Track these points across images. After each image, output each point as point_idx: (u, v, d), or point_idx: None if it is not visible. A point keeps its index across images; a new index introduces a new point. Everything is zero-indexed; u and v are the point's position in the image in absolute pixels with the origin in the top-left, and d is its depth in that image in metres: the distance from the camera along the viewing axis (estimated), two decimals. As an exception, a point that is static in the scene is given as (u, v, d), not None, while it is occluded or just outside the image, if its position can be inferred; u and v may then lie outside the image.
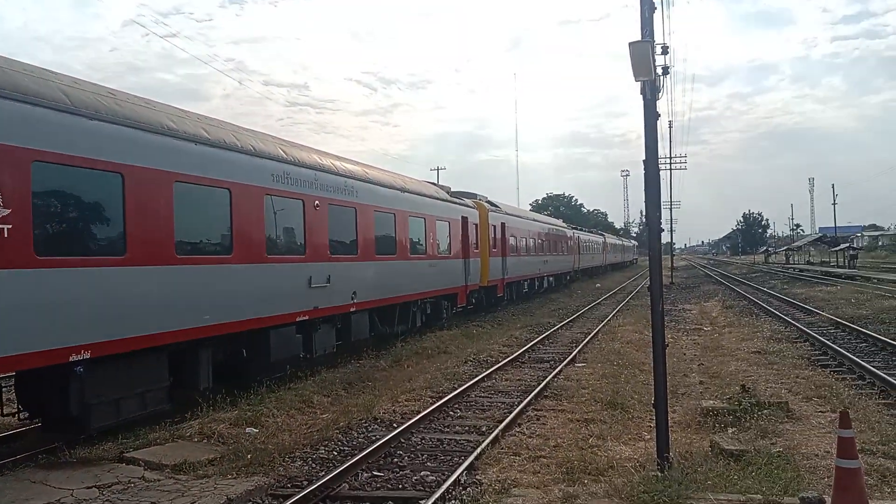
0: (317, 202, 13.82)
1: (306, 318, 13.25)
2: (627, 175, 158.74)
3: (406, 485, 7.52)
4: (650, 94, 7.53)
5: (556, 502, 6.72)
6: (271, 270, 12.22)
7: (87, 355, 8.35)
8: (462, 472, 7.58)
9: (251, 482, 7.48)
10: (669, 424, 8.90)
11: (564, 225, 50.68)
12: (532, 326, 22.90)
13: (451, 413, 10.78)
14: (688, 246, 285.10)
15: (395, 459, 8.43)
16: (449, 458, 8.43)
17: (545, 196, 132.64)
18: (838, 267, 59.62)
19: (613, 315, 25.87)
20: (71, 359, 8.15)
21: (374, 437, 9.31)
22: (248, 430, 9.76)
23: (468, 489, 7.19)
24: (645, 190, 7.68)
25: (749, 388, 10.75)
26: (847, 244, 66.54)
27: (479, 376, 13.36)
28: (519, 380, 13.48)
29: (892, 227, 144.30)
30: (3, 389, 9.43)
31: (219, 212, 11.07)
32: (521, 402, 11.02)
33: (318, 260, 13.78)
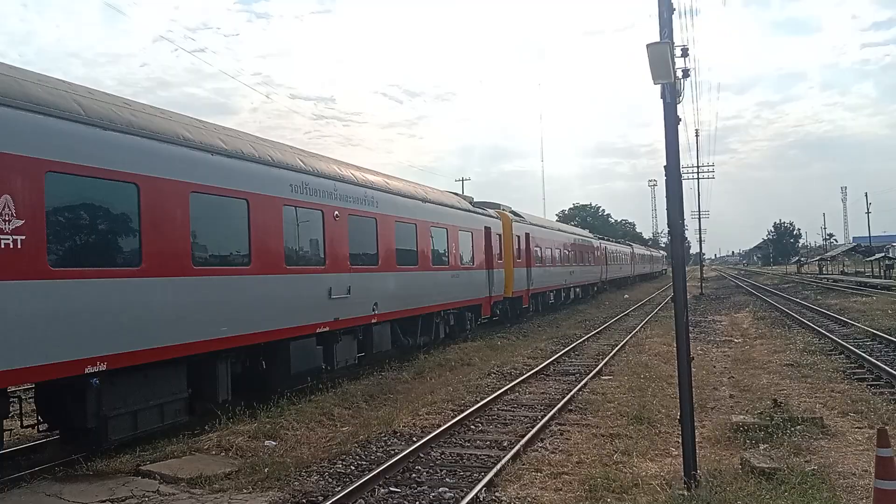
0: (336, 213, 13.71)
1: (327, 329, 13.11)
2: (655, 185, 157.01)
3: (423, 501, 7.28)
4: (670, 97, 7.29)
5: (577, 522, 6.46)
6: (290, 281, 12.10)
7: (103, 367, 8.27)
8: (481, 488, 7.33)
9: (266, 497, 7.32)
10: (698, 440, 8.59)
11: (591, 235, 50.19)
12: (558, 338, 22.55)
13: (472, 427, 10.53)
14: (718, 256, 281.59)
15: (414, 475, 8.20)
16: (468, 473, 8.18)
17: (572, 206, 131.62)
18: (873, 277, 58.24)
19: (641, 326, 25.40)
20: (86, 371, 8.08)
21: (393, 452, 9.10)
22: (266, 443, 9.62)
23: (486, 507, 6.95)
24: (666, 196, 7.42)
25: (781, 402, 10.35)
26: (882, 254, 65.08)
27: (502, 389, 13.09)
28: (543, 393, 13.18)
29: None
30: (24, 401, 9.41)
31: (236, 223, 10.98)
32: (545, 416, 10.74)
33: (339, 271, 13.65)
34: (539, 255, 30.40)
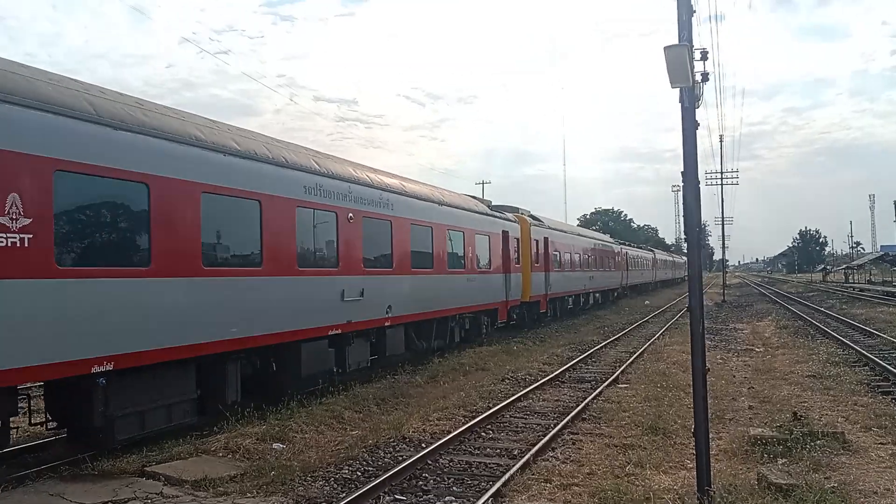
0: (350, 215, 13.61)
1: (339, 331, 13.01)
2: (678, 190, 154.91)
3: (428, 511, 7.14)
4: (688, 101, 7.07)
5: (585, 536, 6.26)
6: (302, 283, 12.02)
7: (110, 367, 8.22)
8: (487, 499, 7.16)
9: (269, 502, 7.22)
10: (714, 453, 8.35)
11: (612, 240, 49.74)
12: (575, 344, 22.29)
13: (482, 434, 10.36)
14: (741, 263, 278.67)
15: (420, 482, 8.05)
16: (476, 482, 8.02)
17: (593, 211, 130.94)
18: (901, 286, 57.06)
19: (661, 334, 25.04)
20: (93, 370, 8.03)
21: (400, 458, 8.96)
22: (274, 445, 9.52)
23: (492, 519, 6.77)
24: (683, 203, 7.21)
25: (801, 415, 10.05)
26: (910, 263, 63.77)
27: (516, 395, 12.90)
28: (557, 400, 12.97)
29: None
30: (33, 399, 9.41)
31: (248, 223, 10.92)
32: (557, 424, 10.53)
33: (352, 273, 13.55)
34: (558, 259, 30.13)
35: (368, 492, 7.38)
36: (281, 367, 11.82)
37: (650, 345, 21.48)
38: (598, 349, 20.70)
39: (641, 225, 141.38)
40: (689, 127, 7.20)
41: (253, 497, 7.34)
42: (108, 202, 8.65)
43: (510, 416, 11.55)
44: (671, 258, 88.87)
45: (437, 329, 18.14)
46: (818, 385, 13.77)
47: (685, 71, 6.71)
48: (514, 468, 8.15)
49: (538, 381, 14.71)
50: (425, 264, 17.07)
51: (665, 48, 6.69)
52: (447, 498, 7.47)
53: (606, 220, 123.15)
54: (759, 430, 9.68)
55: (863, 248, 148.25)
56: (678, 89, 7.10)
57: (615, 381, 14.76)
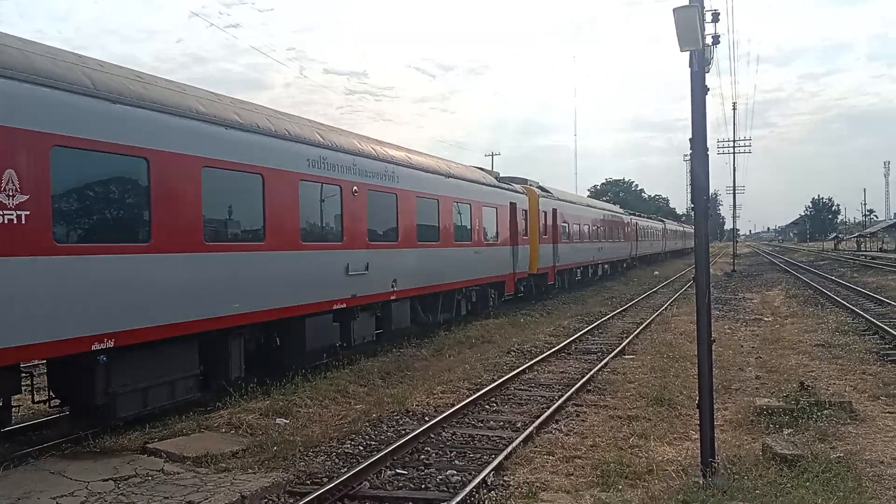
0: (355, 188, 13.50)
1: (343, 305, 12.97)
2: (689, 160, 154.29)
3: (429, 485, 7.12)
4: (697, 65, 6.89)
5: (586, 510, 6.23)
6: (306, 257, 11.95)
7: (111, 344, 8.20)
8: (489, 472, 7.13)
9: (269, 478, 7.19)
10: (719, 423, 8.30)
11: (622, 211, 49.43)
12: (582, 315, 22.23)
13: (486, 407, 10.34)
14: (753, 232, 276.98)
15: (423, 456, 8.04)
16: (479, 455, 8.00)
17: (604, 181, 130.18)
18: (914, 254, 56.59)
19: (669, 304, 24.93)
20: (93, 348, 8.01)
21: (403, 431, 8.95)
22: (278, 420, 9.53)
23: (493, 492, 6.74)
24: (691, 171, 7.06)
25: (809, 385, 9.96)
26: (924, 230, 63.13)
27: (521, 368, 12.87)
28: (562, 372, 12.93)
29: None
30: (36, 377, 9.44)
31: (251, 198, 10.82)
32: (562, 396, 10.49)
33: (357, 247, 13.47)
34: (566, 231, 29.95)
35: (369, 466, 7.36)
36: (285, 342, 11.81)
37: (658, 315, 21.39)
38: (605, 320, 20.64)
39: (652, 195, 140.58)
40: (699, 92, 7.03)
41: (254, 473, 7.34)
42: (106, 178, 8.55)
43: (514, 389, 11.52)
44: (681, 228, 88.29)
45: (443, 302, 18.08)
46: (826, 354, 13.67)
47: (695, 34, 6.52)
48: (517, 441, 8.12)
49: (544, 353, 14.67)
50: (431, 237, 16.96)
51: (674, 10, 6.51)
52: (449, 472, 7.45)
53: (617, 191, 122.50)
54: (766, 400, 9.61)
55: (876, 216, 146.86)
56: (687, 53, 6.92)
57: (621, 352, 14.70)
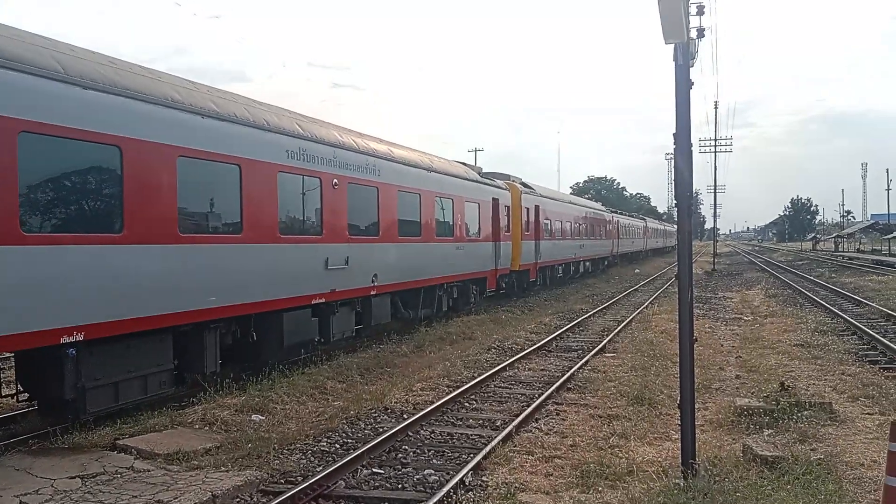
0: (335, 180, 13.29)
1: (322, 300, 12.77)
2: (671, 158, 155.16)
3: (406, 485, 6.97)
4: (682, 58, 6.76)
5: (565, 511, 6.11)
6: (285, 251, 11.75)
7: (80, 337, 7.96)
8: (467, 472, 7.00)
9: (242, 476, 7.01)
10: (699, 423, 8.23)
11: (604, 208, 49.50)
12: (563, 313, 22.18)
13: (466, 404, 10.20)
14: (732, 232, 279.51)
15: (400, 455, 7.89)
16: (457, 454, 7.87)
17: (587, 179, 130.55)
18: (890, 255, 57.30)
19: (649, 302, 24.96)
20: (62, 341, 7.77)
21: (381, 429, 8.79)
22: (253, 417, 9.34)
23: (471, 493, 6.61)
24: (674, 167, 6.95)
25: (789, 385, 9.93)
26: (900, 232, 63.94)
27: (501, 365, 12.75)
28: (543, 370, 12.83)
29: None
30: (4, 370, 9.17)
31: (227, 189, 10.59)
32: (542, 394, 10.39)
33: (336, 241, 13.28)
34: (549, 227, 29.89)
35: (345, 465, 7.21)
36: (262, 336, 11.58)
37: (638, 313, 21.39)
38: (586, 318, 20.59)
39: (634, 193, 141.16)
40: (683, 85, 6.89)
41: (226, 471, 7.14)
42: (78, 166, 8.29)
43: (495, 387, 11.40)
44: (662, 226, 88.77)
45: (424, 298, 17.92)
46: (806, 354, 13.69)
47: (680, 25, 6.39)
48: (496, 440, 7.99)
49: (525, 350, 14.58)
50: (413, 232, 16.79)
51: (659, 0, 6.36)
52: (426, 471, 7.30)
53: (599, 189, 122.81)
54: (746, 400, 9.57)
55: (853, 217, 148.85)
56: (671, 46, 6.80)
57: (602, 350, 14.64)
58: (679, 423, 7.85)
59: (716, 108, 56.33)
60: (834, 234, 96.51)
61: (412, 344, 15.23)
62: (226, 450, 7.86)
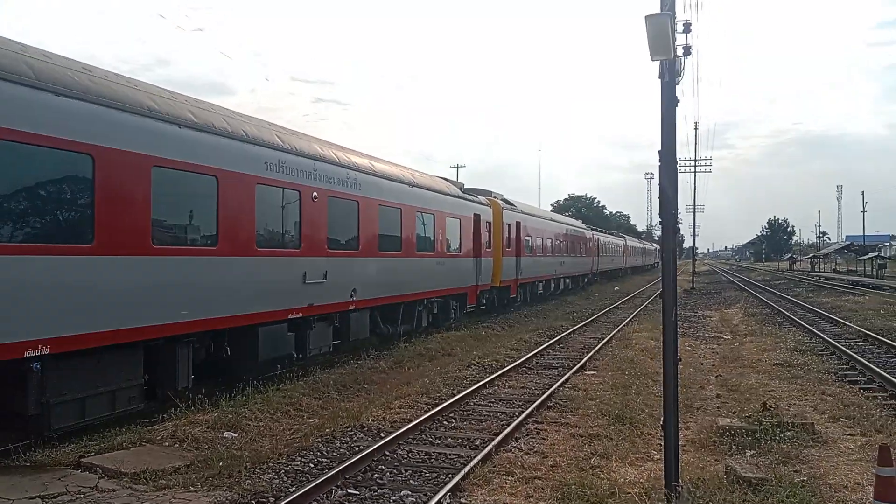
0: (315, 194, 13.10)
1: (300, 315, 12.53)
2: (651, 178, 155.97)
3: (382, 506, 6.75)
4: (668, 75, 6.70)
5: (546, 535, 5.93)
6: (261, 264, 11.51)
7: (46, 351, 7.68)
8: (445, 493, 6.80)
9: (212, 496, 6.77)
10: (681, 444, 8.05)
11: (584, 226, 49.64)
12: (544, 329, 22.04)
13: (444, 423, 9.99)
14: (711, 251, 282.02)
15: (376, 475, 7.66)
16: (435, 475, 7.65)
17: (567, 197, 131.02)
18: (866, 276, 58.00)
19: (629, 320, 24.92)
20: (26, 354, 7.48)
21: (357, 448, 8.56)
22: (226, 434, 9.08)
23: (449, 515, 6.41)
24: (659, 184, 6.84)
25: (770, 406, 9.84)
26: (875, 253, 64.84)
27: (481, 382, 12.56)
28: (523, 387, 12.65)
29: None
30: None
31: (203, 200, 10.37)
32: (522, 413, 10.20)
33: (315, 254, 13.06)
34: (529, 244, 29.85)
35: (319, 486, 6.97)
36: (236, 351, 11.32)
37: (619, 331, 21.31)
38: (566, 335, 20.47)
39: (614, 212, 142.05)
40: (669, 103, 6.82)
41: (195, 491, 6.89)
42: (47, 174, 8.05)
43: (474, 404, 11.20)
44: (642, 245, 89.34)
45: (403, 313, 17.71)
46: (786, 373, 13.65)
47: (666, 42, 6.32)
48: (475, 460, 7.79)
49: (505, 367, 14.39)
50: (393, 246, 16.61)
51: (646, 17, 6.29)
52: (403, 492, 7.08)
53: (579, 207, 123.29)
54: (728, 420, 9.47)
55: (829, 238, 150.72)
56: (657, 63, 6.73)
57: (583, 368, 14.50)
58: (660, 442, 7.73)
59: (696, 128, 56.66)
60: (811, 255, 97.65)
61: (391, 360, 15.00)
62: (196, 468, 7.60)
